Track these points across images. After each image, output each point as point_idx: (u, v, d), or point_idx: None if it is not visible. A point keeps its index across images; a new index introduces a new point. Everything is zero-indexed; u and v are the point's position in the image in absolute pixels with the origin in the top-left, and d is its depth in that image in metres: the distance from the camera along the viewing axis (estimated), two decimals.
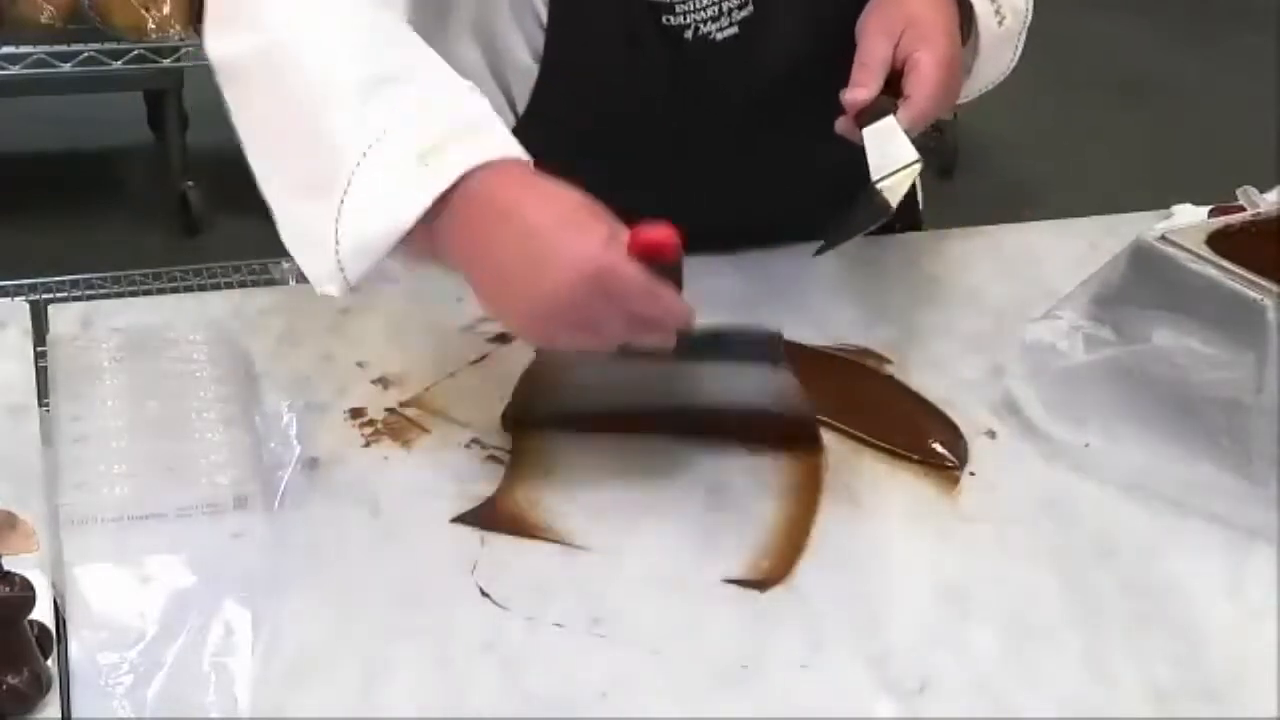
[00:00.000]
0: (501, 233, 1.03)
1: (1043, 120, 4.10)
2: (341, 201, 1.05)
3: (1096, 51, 4.67)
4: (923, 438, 1.20)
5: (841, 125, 1.23)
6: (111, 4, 2.68)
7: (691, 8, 1.27)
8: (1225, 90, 4.41)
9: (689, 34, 1.28)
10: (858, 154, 1.20)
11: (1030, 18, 1.33)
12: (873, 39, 1.22)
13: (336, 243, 1.06)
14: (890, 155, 1.19)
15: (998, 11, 1.30)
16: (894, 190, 1.18)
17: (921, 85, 1.20)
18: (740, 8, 1.29)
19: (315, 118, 1.08)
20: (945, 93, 1.22)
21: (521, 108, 1.32)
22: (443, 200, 1.04)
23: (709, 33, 1.29)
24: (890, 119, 1.19)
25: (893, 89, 1.21)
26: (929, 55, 1.20)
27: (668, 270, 1.03)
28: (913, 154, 1.18)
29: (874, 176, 1.18)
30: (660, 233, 1.02)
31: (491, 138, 1.08)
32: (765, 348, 1.14)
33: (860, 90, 1.21)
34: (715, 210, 1.37)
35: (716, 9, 1.28)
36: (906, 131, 1.19)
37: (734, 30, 1.29)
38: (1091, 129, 4.20)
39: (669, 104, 1.32)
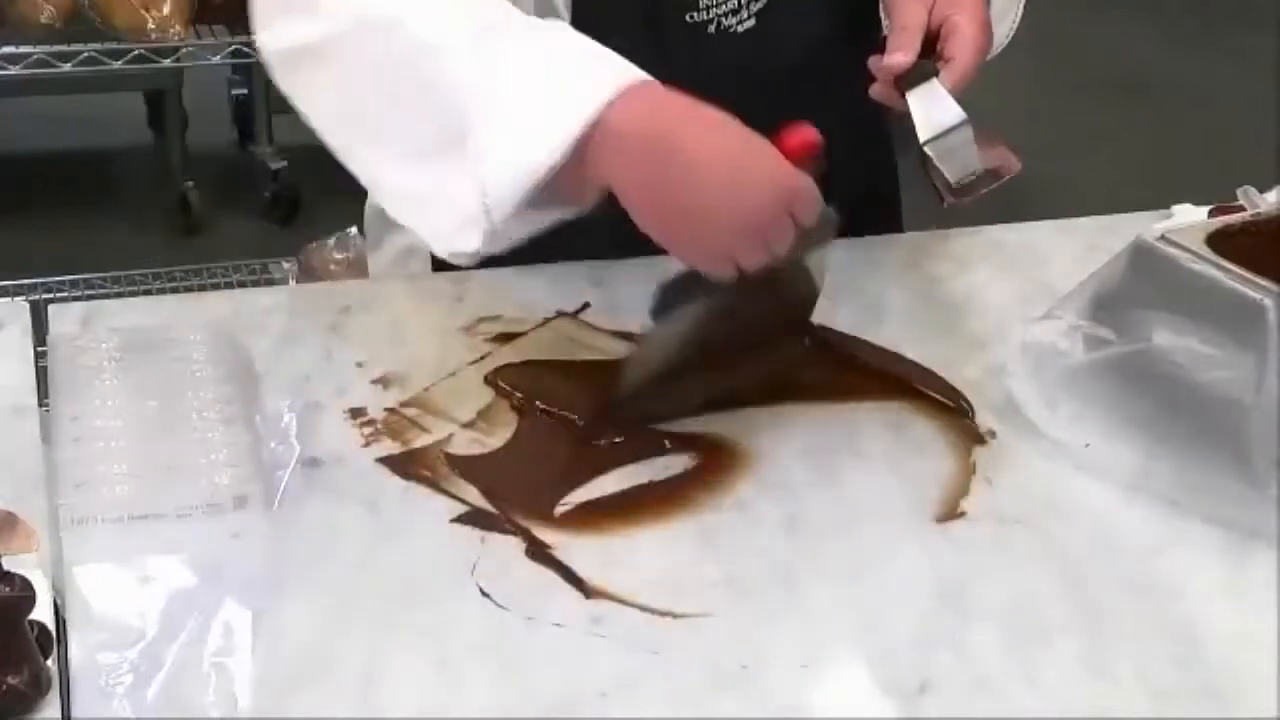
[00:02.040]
0: (668, 171, 1.06)
1: (1043, 120, 4.09)
2: (478, 146, 1.07)
3: (1097, 52, 4.68)
4: (935, 379, 1.24)
5: (878, 91, 1.23)
6: (111, 4, 2.68)
7: (713, 1, 1.28)
8: (1225, 90, 4.41)
9: (712, 28, 1.30)
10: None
11: None
12: (907, 5, 1.23)
13: (482, 187, 1.07)
14: (937, 117, 1.20)
15: None
16: (952, 152, 1.19)
17: (963, 47, 1.21)
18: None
19: (426, 77, 1.10)
20: (984, 55, 1.23)
21: None
22: (583, 136, 1.05)
23: (730, 25, 1.30)
24: (934, 82, 1.20)
25: (924, 54, 1.22)
26: (966, 18, 1.22)
27: (816, 171, 1.09)
28: (961, 114, 1.20)
29: (922, 139, 1.19)
30: (808, 133, 1.08)
31: (614, 65, 1.09)
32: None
33: (899, 55, 1.21)
34: None
35: (736, 1, 1.29)
36: (950, 93, 1.20)
37: (752, 22, 1.31)
38: (1092, 129, 4.20)
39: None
